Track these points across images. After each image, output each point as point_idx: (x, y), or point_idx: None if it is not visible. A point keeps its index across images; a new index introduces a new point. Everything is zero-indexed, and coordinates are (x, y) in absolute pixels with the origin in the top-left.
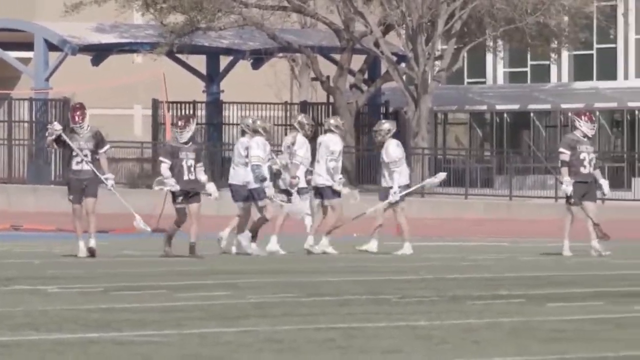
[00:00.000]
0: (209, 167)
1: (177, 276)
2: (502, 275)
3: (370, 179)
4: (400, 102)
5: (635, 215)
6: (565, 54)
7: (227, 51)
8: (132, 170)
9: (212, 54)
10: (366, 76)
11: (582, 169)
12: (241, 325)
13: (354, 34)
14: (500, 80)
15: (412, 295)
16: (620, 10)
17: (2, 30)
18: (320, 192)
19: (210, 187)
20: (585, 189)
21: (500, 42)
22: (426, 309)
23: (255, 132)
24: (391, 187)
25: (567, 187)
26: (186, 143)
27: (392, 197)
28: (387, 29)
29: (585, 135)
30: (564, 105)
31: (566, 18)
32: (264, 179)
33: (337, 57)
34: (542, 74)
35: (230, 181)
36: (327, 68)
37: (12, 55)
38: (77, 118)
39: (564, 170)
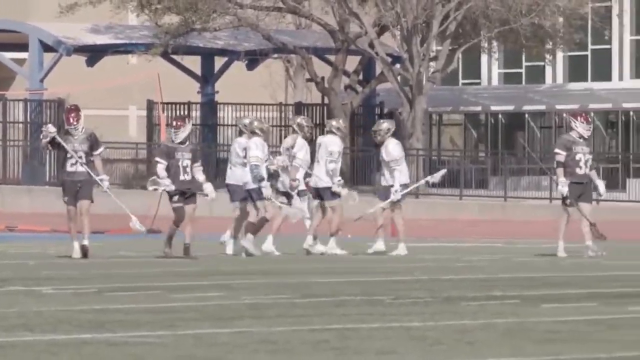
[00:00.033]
0: (203, 168)
1: (172, 277)
2: (497, 276)
3: (365, 179)
4: (395, 103)
5: (630, 216)
6: (560, 55)
7: (222, 52)
8: (127, 171)
9: (207, 55)
10: (361, 77)
11: (577, 170)
12: (235, 326)
13: (348, 35)
14: (495, 81)
15: (407, 296)
16: (614, 12)
17: None
18: (319, 194)
19: (208, 187)
20: (581, 190)
21: (495, 43)
22: (420, 310)
23: (253, 133)
24: (391, 186)
25: (563, 187)
26: (182, 143)
27: (394, 196)
28: (381, 30)
29: (581, 136)
30: (558, 106)
31: (561, 19)
32: (262, 179)
33: (332, 58)
34: (536, 75)
35: (228, 181)
36: (322, 69)
37: (7, 56)
38: (71, 120)
39: (560, 171)
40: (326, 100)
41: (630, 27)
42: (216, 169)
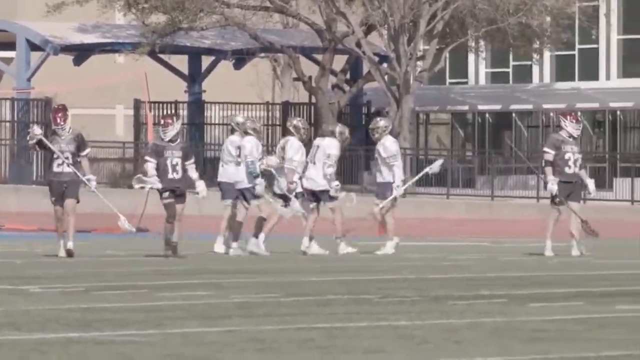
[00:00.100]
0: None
1: (160, 276)
2: (484, 275)
3: (353, 178)
4: (382, 103)
5: (617, 215)
6: (547, 55)
7: (209, 51)
8: (114, 170)
9: (194, 54)
10: (348, 76)
11: (566, 169)
12: (224, 325)
13: (336, 34)
14: (482, 80)
15: (394, 295)
16: (602, 11)
17: None
18: (316, 195)
19: (200, 185)
20: (570, 189)
21: (482, 43)
22: (408, 309)
23: (246, 133)
24: (391, 182)
25: (552, 185)
26: (172, 141)
27: (397, 192)
28: (369, 29)
29: (570, 136)
30: (545, 106)
31: (548, 18)
32: (257, 176)
33: (319, 57)
34: (524, 74)
35: (220, 179)
36: (309, 68)
37: None
38: (58, 120)
39: (548, 169)
40: (313, 100)
41: (618, 26)
42: (203, 168)
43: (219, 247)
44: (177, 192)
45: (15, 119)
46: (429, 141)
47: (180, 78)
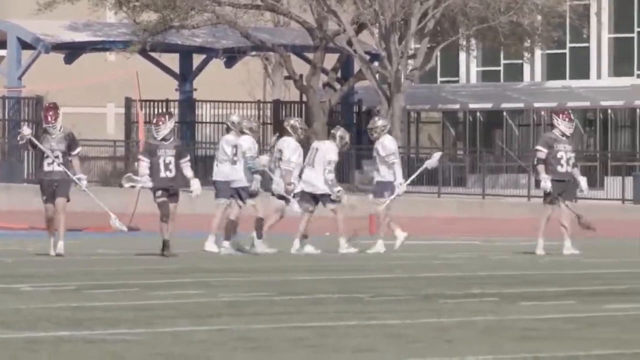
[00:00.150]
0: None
1: (150, 274)
2: (475, 274)
3: (344, 177)
4: (373, 101)
5: (608, 214)
6: (538, 53)
7: (200, 49)
8: (105, 169)
9: (185, 53)
10: (339, 75)
11: (559, 168)
12: (214, 324)
13: (327, 33)
14: (473, 79)
15: (384, 294)
16: (593, 10)
17: None
18: (315, 198)
19: (195, 183)
20: (562, 188)
21: (473, 41)
22: (398, 308)
23: (242, 132)
24: (389, 181)
25: (546, 183)
26: (165, 140)
27: (399, 189)
28: (360, 27)
29: (563, 134)
30: (536, 104)
31: (539, 17)
32: (255, 172)
33: (310, 55)
34: (515, 72)
35: (215, 178)
36: (300, 67)
37: None
38: (49, 118)
39: (540, 167)
40: (304, 98)
41: (609, 25)
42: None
43: (211, 245)
44: (170, 191)
45: (6, 117)
46: (420, 140)
47: (171, 76)
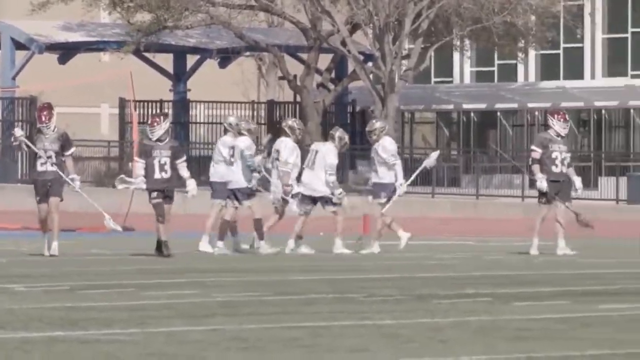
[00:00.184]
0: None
1: (145, 274)
2: (469, 274)
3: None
4: (367, 101)
5: (602, 214)
6: (532, 54)
7: (194, 50)
8: (99, 169)
9: (179, 53)
10: (333, 75)
11: (553, 168)
12: (208, 324)
13: (321, 33)
14: (467, 79)
15: (378, 294)
16: (587, 10)
17: None
18: (314, 201)
19: (191, 183)
20: (557, 188)
21: (467, 42)
22: (392, 308)
23: (240, 133)
24: (386, 183)
25: (542, 183)
26: (160, 141)
27: (400, 190)
28: (354, 28)
29: (558, 134)
30: (530, 105)
31: (533, 17)
32: (254, 169)
33: (304, 56)
34: (509, 73)
35: (212, 179)
36: (294, 67)
37: None
38: (43, 118)
39: (536, 167)
40: (298, 99)
41: (602, 25)
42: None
43: (205, 246)
44: (165, 192)
45: (0, 117)
46: (414, 140)
47: (165, 77)
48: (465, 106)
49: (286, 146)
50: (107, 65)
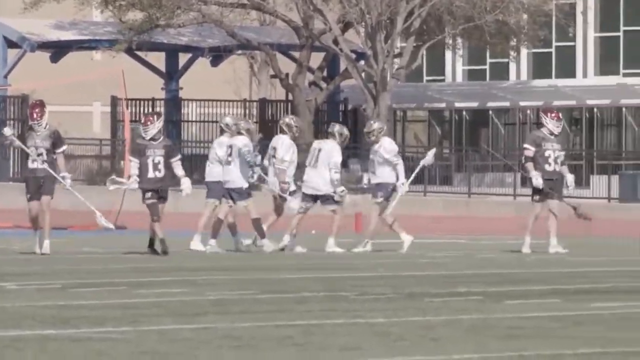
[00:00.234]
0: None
1: (136, 273)
2: (461, 273)
3: None
4: (359, 100)
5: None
6: (524, 52)
7: (186, 48)
8: (91, 167)
9: (171, 51)
10: (325, 74)
11: (546, 166)
12: (199, 322)
13: (313, 32)
14: (459, 78)
15: (370, 292)
16: (579, 9)
17: None
18: (316, 198)
19: (185, 182)
20: (550, 186)
21: (459, 40)
22: (384, 306)
23: (239, 133)
24: (386, 183)
25: (538, 180)
26: (153, 140)
27: (402, 189)
28: (346, 26)
29: (551, 133)
30: (522, 103)
31: (525, 16)
32: (254, 164)
33: (296, 54)
34: (501, 71)
35: (207, 179)
36: (286, 65)
37: None
38: (35, 115)
39: (529, 165)
40: (290, 97)
41: (595, 24)
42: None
43: (197, 244)
44: (159, 192)
45: None
46: (406, 138)
47: (157, 75)
48: (457, 104)
49: (283, 143)
50: (99, 63)
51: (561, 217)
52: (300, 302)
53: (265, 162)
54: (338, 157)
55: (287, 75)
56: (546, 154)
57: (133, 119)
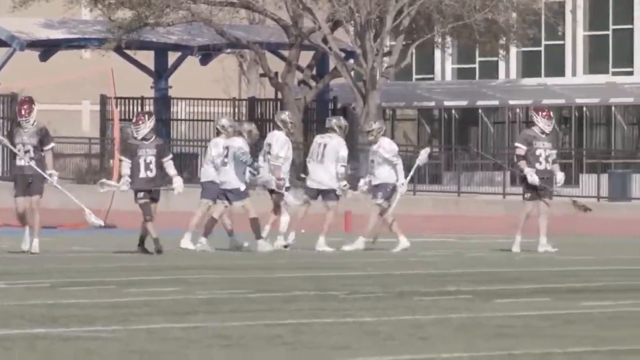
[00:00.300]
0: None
1: (126, 272)
2: (450, 272)
3: None
4: (349, 98)
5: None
6: (513, 51)
7: (175, 47)
8: (80, 166)
9: (160, 50)
10: (314, 72)
11: (537, 165)
12: (190, 321)
13: (302, 30)
14: (449, 76)
15: (360, 291)
16: (568, 7)
17: None
18: (319, 193)
19: (177, 181)
20: (541, 185)
21: (448, 39)
22: (373, 305)
23: (239, 134)
24: (385, 183)
25: (532, 176)
26: (145, 140)
27: (402, 189)
28: (335, 25)
29: (542, 132)
30: (512, 102)
31: (514, 15)
32: (250, 164)
33: (285, 53)
34: (490, 70)
35: (202, 179)
36: (276, 64)
37: None
38: (23, 112)
39: (522, 163)
40: (280, 96)
41: (584, 22)
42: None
43: (187, 243)
44: (151, 192)
45: None
46: (395, 137)
47: (146, 74)
48: (446, 103)
49: (278, 140)
50: (88, 62)
51: (556, 215)
52: (290, 301)
53: (260, 158)
54: (345, 151)
55: (276, 74)
56: (537, 152)
57: (122, 117)
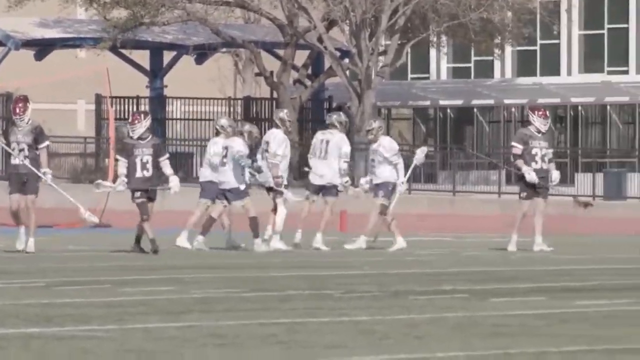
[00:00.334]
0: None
1: (121, 271)
2: (446, 271)
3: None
4: (344, 98)
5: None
6: (508, 50)
7: (171, 46)
8: (75, 165)
9: (156, 49)
10: (310, 71)
11: (533, 164)
12: (184, 320)
13: (297, 30)
14: (444, 75)
15: (355, 290)
16: (563, 6)
17: None
18: (320, 189)
19: (173, 180)
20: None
21: (443, 38)
22: (369, 304)
23: (240, 134)
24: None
25: (530, 174)
26: (141, 139)
27: (402, 188)
28: (330, 24)
29: (538, 131)
30: (507, 101)
31: (510, 14)
32: (248, 166)
33: (280, 52)
34: (485, 69)
35: (201, 179)
36: (271, 63)
37: None
38: (18, 110)
39: (519, 162)
40: (275, 95)
41: (579, 22)
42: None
43: (183, 241)
44: (148, 191)
45: None
46: (391, 136)
47: (141, 73)
48: (441, 102)
49: (276, 138)
50: (84, 61)
51: (552, 214)
52: (284, 300)
53: (259, 156)
54: (348, 147)
55: (271, 73)
56: (533, 151)
57: (117, 116)
